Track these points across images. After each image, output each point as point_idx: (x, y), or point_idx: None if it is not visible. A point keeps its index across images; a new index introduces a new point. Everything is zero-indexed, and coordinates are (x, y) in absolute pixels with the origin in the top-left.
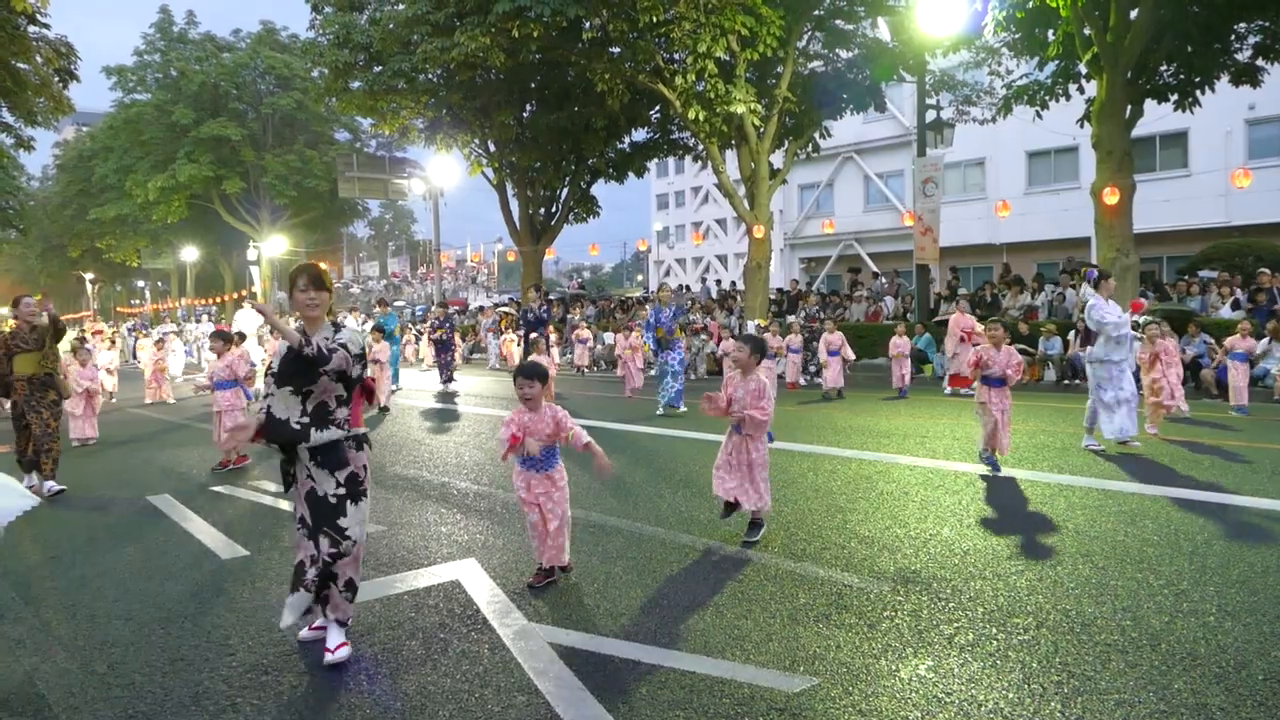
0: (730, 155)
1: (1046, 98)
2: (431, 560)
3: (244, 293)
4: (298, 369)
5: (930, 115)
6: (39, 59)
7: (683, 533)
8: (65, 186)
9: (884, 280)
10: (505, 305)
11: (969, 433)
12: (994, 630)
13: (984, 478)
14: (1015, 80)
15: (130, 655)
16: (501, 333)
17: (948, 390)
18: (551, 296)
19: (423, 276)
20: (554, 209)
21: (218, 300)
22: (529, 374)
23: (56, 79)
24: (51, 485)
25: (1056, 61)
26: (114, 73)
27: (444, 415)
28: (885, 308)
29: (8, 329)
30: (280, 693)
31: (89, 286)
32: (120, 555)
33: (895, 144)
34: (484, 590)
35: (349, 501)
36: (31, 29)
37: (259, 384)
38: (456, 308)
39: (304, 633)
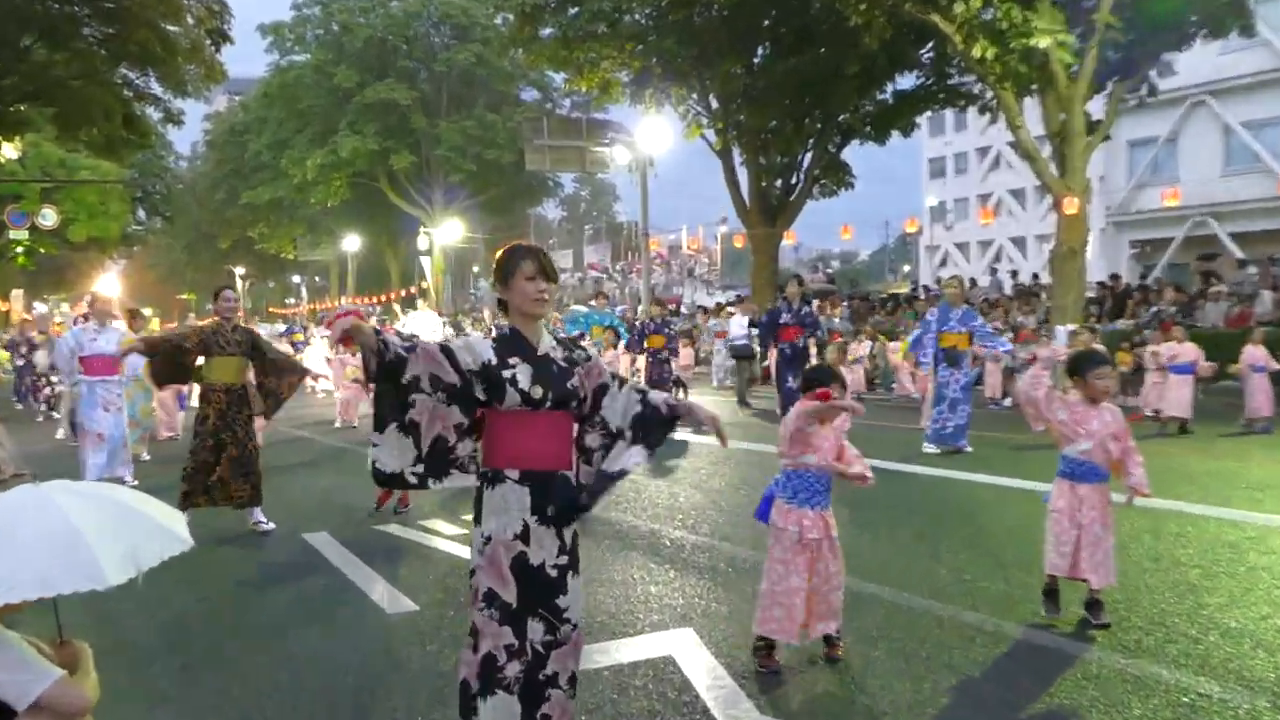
0: (1031, 105)
1: None
2: (638, 628)
3: (414, 289)
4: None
5: None
6: (190, 19)
7: (967, 609)
8: (215, 166)
9: (1255, 270)
10: (734, 305)
11: None
12: None
13: None
14: None
15: (285, 718)
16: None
17: None
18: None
19: (627, 268)
20: (793, 180)
21: (382, 299)
22: (824, 378)
23: (208, 42)
24: (260, 518)
25: None
26: (270, 31)
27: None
28: (1262, 303)
29: (205, 325)
30: None
31: (240, 282)
32: (274, 603)
33: (1269, 82)
34: (704, 670)
35: (571, 574)
36: None
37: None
38: (671, 307)
39: None
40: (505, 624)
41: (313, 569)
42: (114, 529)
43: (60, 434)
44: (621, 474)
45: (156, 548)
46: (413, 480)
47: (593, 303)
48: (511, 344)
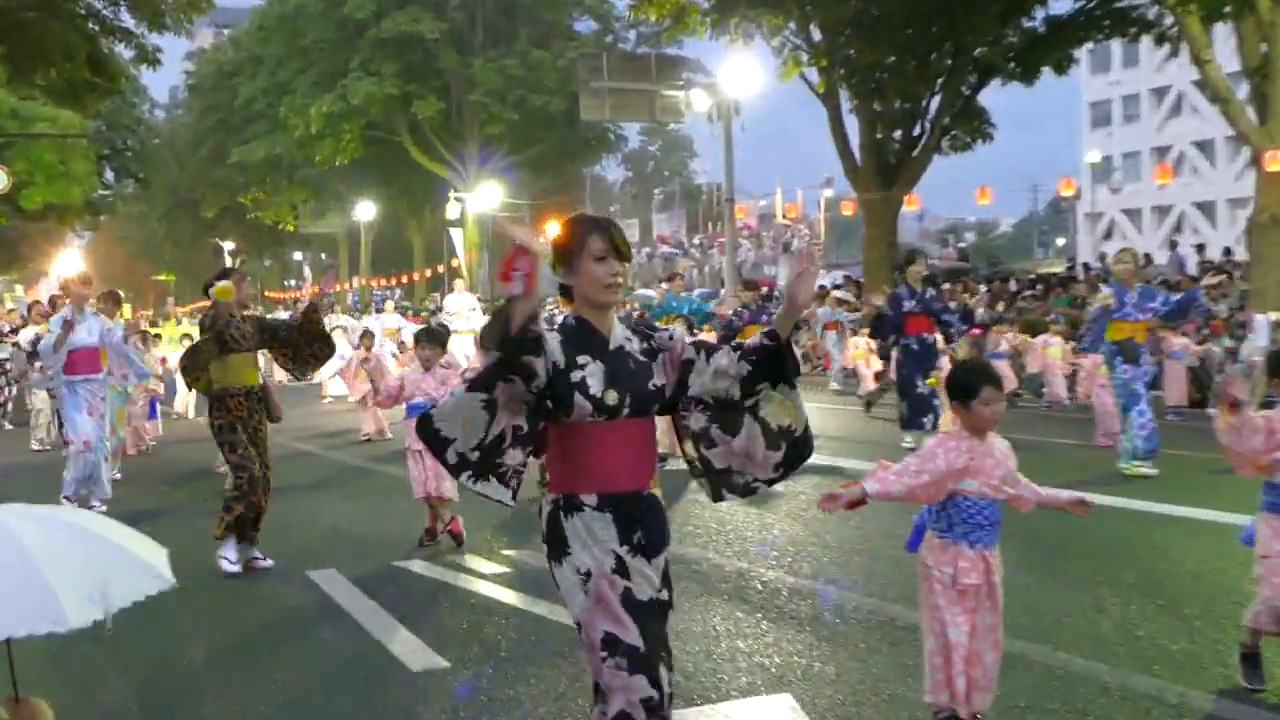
0: (1222, 33)
1: None
2: (723, 692)
3: (442, 267)
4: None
5: None
6: None
7: (1140, 672)
8: (199, 116)
9: None
10: (840, 286)
11: None
12: None
13: None
14: None
15: None
16: (849, 332)
17: None
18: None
19: (706, 242)
20: (916, 131)
21: (401, 279)
22: (977, 378)
23: None
24: (257, 553)
25: None
26: None
27: None
28: None
29: (214, 317)
30: None
31: (229, 259)
32: (273, 656)
33: None
34: None
35: (671, 612)
36: None
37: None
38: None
39: None
40: (638, 673)
41: (320, 614)
42: (79, 561)
43: (36, 443)
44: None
45: (130, 585)
46: (453, 460)
47: (664, 285)
48: (579, 338)
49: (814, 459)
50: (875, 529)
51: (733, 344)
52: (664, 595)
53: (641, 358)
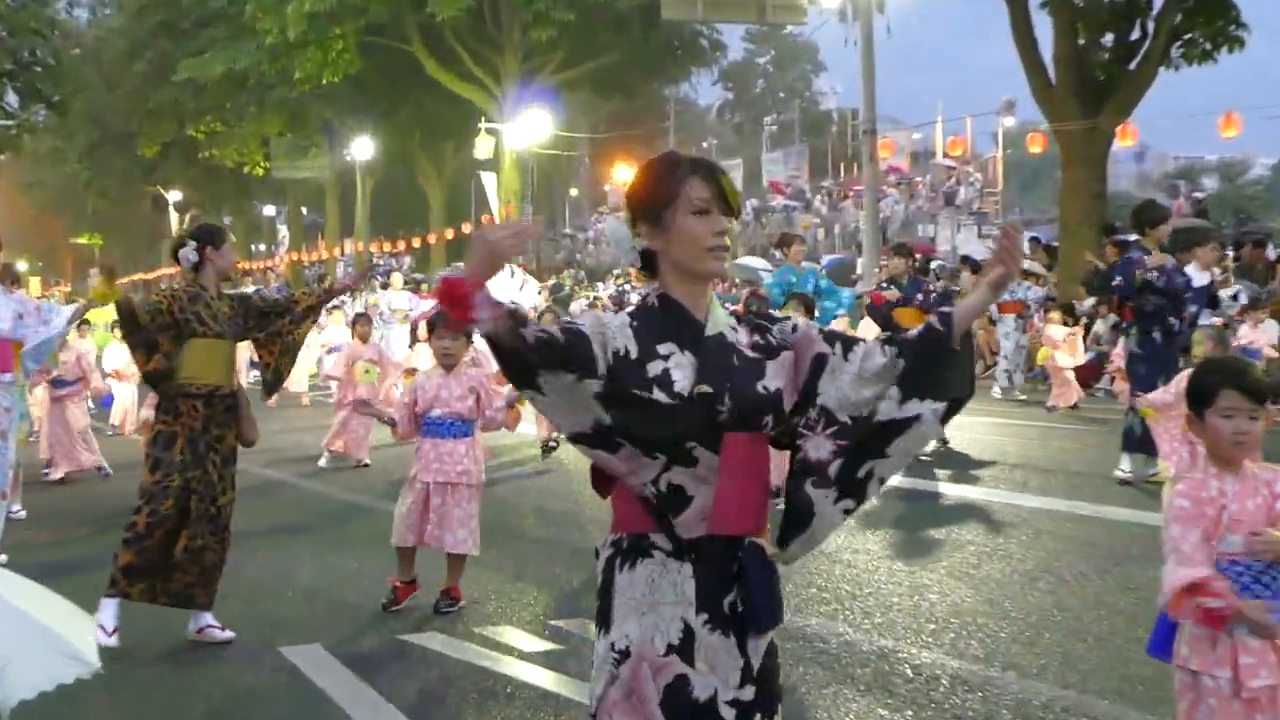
0: None
1: None
2: None
3: (469, 226)
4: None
5: None
6: None
7: None
8: (135, 16)
9: None
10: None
11: None
12: None
13: None
14: None
15: None
16: (1039, 317)
17: None
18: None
19: (836, 191)
20: (1134, 35)
21: (412, 243)
22: (1238, 380)
23: None
24: (210, 621)
25: None
26: None
27: (914, 496)
28: None
29: (174, 293)
30: None
31: (173, 217)
32: None
33: None
34: None
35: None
36: None
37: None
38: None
39: None
40: None
41: (299, 708)
42: None
43: None
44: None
45: (38, 670)
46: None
47: (776, 253)
48: (664, 321)
49: (982, 495)
50: (1075, 593)
51: (889, 336)
52: (746, 694)
53: (751, 353)
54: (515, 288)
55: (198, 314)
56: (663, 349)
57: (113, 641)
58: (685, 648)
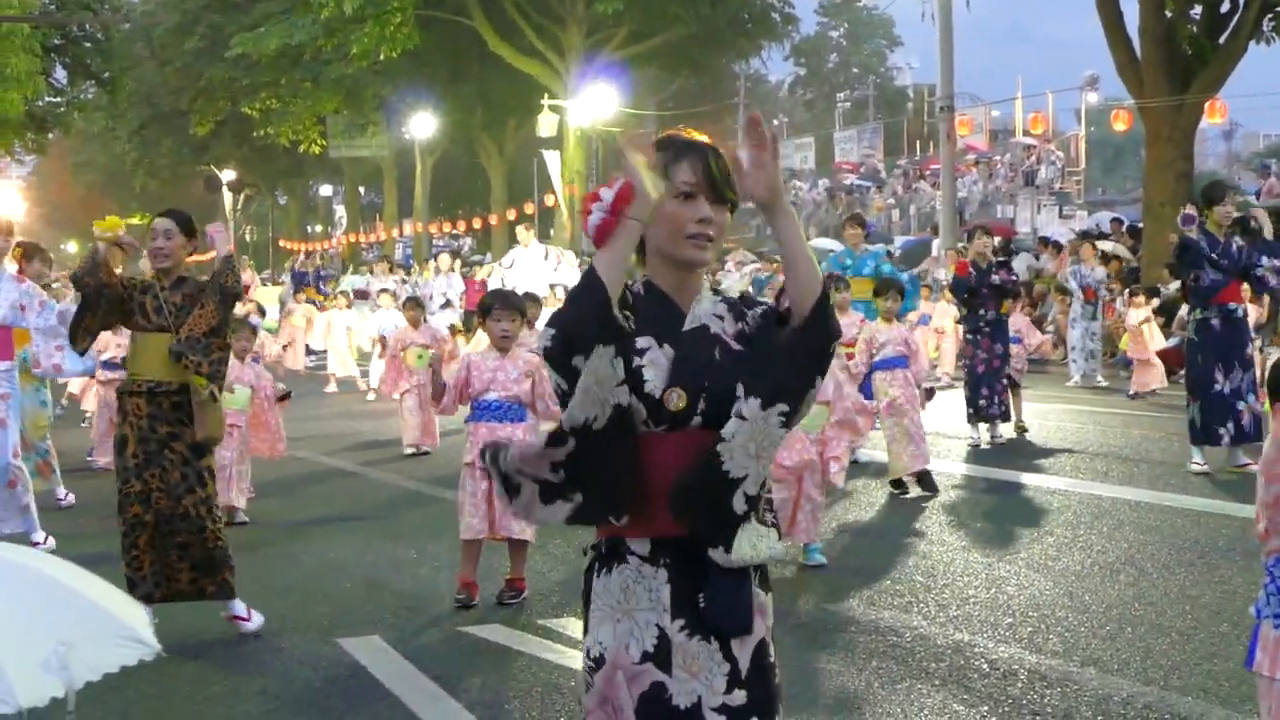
0: None
1: None
2: None
3: (532, 206)
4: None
5: None
6: None
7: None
8: None
9: None
10: (1106, 235)
11: None
12: None
13: None
14: None
15: None
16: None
17: None
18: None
19: (912, 170)
20: (1225, 8)
21: (472, 224)
22: None
23: None
24: (238, 614)
25: None
26: None
27: (991, 487)
28: None
29: (145, 277)
30: None
31: (227, 197)
32: None
33: None
34: None
35: None
36: None
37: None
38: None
39: None
40: None
41: (356, 698)
42: (32, 622)
43: None
44: None
45: (101, 653)
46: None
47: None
48: (647, 311)
49: (1061, 485)
50: (1157, 586)
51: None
52: (736, 699)
53: (735, 344)
54: (550, 268)
55: (142, 305)
56: (641, 343)
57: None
58: (661, 654)
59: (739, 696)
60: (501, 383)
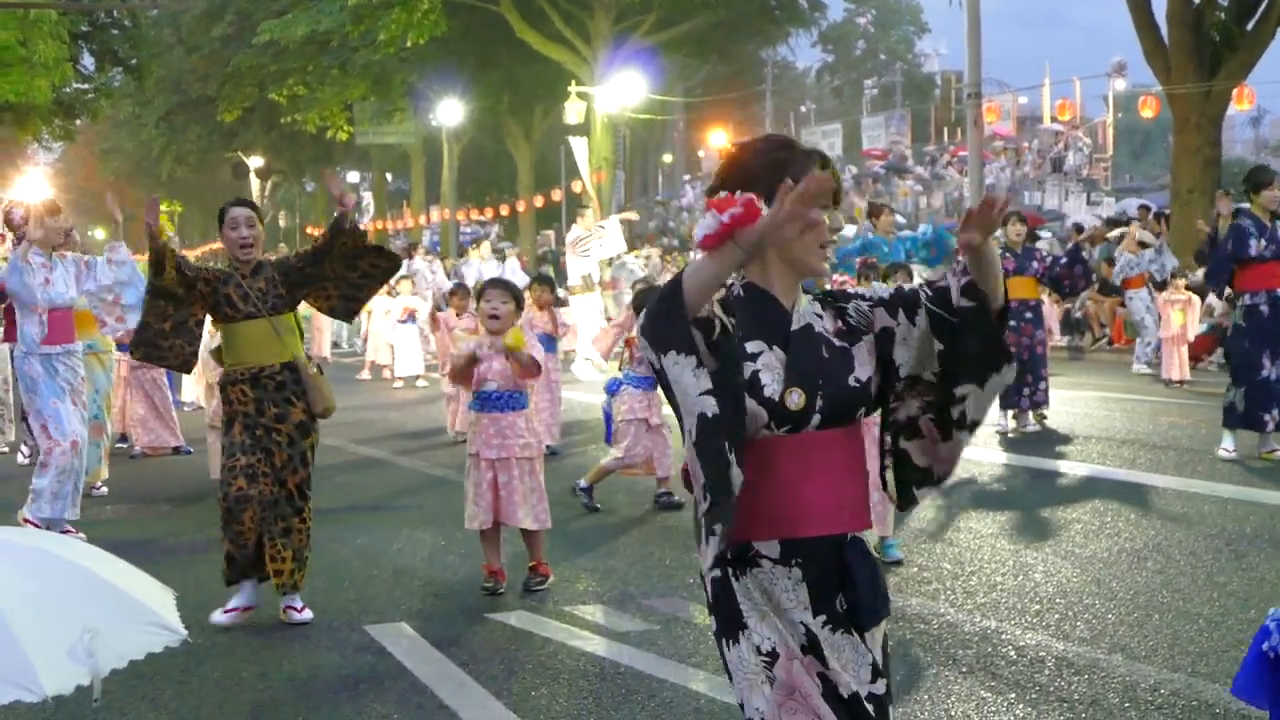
0: None
1: None
2: None
3: (559, 193)
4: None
5: None
6: None
7: None
8: None
9: None
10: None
11: None
12: None
13: None
14: None
15: None
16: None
17: None
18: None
19: (938, 157)
20: None
21: (500, 211)
22: None
23: None
24: (295, 602)
25: None
26: None
27: (1019, 473)
28: None
29: (213, 267)
30: None
31: (254, 184)
32: None
33: None
34: None
35: (891, 709)
36: None
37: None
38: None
39: None
40: None
41: (382, 685)
42: (58, 609)
43: (6, 444)
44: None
45: (127, 640)
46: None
47: (866, 222)
48: (751, 314)
49: (1088, 471)
50: (1185, 573)
51: (929, 284)
52: (879, 688)
53: (838, 341)
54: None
55: (228, 296)
56: (751, 347)
57: (223, 619)
58: (815, 649)
59: (880, 686)
60: (499, 371)
